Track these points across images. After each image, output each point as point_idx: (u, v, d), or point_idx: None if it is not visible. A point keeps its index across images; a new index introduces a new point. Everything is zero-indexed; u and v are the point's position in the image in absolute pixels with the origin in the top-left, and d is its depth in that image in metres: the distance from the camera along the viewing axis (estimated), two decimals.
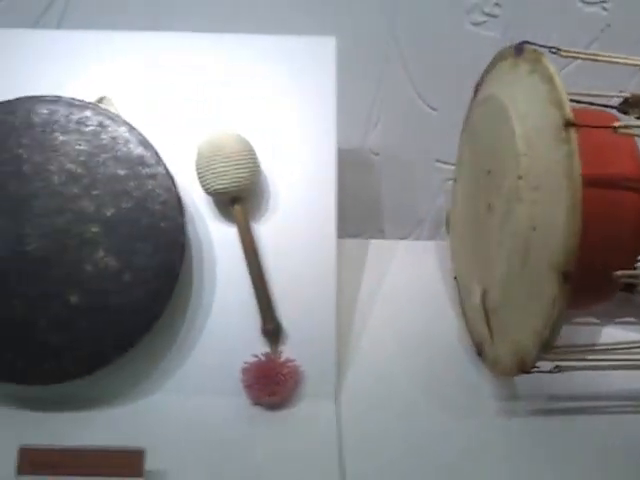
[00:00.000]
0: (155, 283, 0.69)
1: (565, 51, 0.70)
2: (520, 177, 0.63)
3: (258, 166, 0.74)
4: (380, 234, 1.12)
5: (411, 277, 0.93)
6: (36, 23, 0.91)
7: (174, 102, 0.80)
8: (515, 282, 0.64)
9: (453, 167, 1.05)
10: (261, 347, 0.75)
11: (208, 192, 0.74)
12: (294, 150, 0.79)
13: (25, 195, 0.69)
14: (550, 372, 0.65)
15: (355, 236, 1.08)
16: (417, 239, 1.13)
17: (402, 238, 1.13)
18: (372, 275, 0.92)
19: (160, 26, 0.87)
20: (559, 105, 0.60)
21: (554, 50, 0.70)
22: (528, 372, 0.66)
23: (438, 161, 1.07)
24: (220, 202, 0.76)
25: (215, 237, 0.77)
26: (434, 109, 1.03)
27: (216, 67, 0.79)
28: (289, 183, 0.78)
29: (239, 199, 0.74)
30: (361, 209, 1.11)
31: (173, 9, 0.93)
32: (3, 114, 0.71)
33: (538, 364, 0.66)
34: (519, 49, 0.69)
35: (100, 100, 0.74)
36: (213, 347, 0.75)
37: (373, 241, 1.00)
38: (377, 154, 1.07)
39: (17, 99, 0.71)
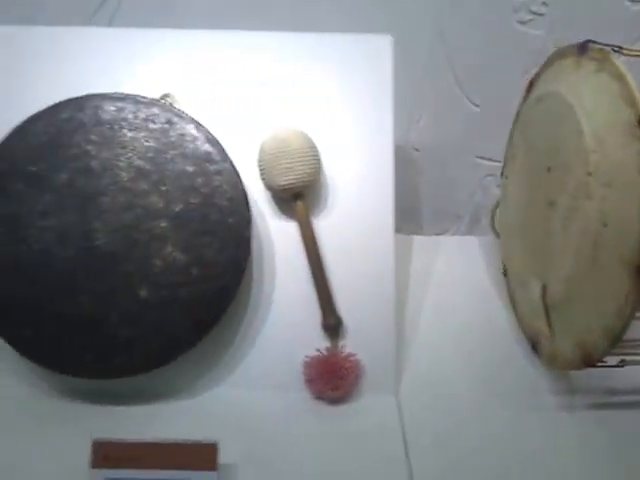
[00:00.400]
0: (223, 278, 0.70)
1: (627, 49, 0.71)
2: (589, 174, 0.64)
3: (320, 162, 0.76)
4: (419, 230, 1.13)
5: (457, 272, 0.93)
6: (88, 21, 0.93)
7: (228, 100, 0.80)
8: (582, 278, 0.65)
9: (493, 163, 1.07)
10: (321, 341, 0.76)
11: (271, 188, 0.75)
12: (351, 147, 0.80)
13: (93, 191, 0.70)
14: (616, 366, 0.66)
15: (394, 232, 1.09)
16: (454, 235, 1.15)
17: (440, 234, 1.14)
18: (419, 270, 0.93)
19: (213, 25, 0.87)
20: (632, 102, 0.60)
21: (616, 49, 0.70)
22: (593, 366, 0.67)
23: (478, 157, 1.09)
24: (280, 198, 0.77)
25: (274, 233, 0.78)
26: (477, 105, 1.04)
27: (272, 65, 0.80)
28: (347, 179, 0.79)
29: (301, 195, 0.75)
30: (401, 205, 1.13)
31: (224, 7, 0.94)
32: (71, 111, 0.71)
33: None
34: (582, 48, 0.70)
35: (163, 97, 0.76)
36: (274, 342, 0.76)
37: (416, 237, 1.01)
38: (418, 150, 1.08)
39: (85, 96, 0.72)
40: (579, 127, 0.66)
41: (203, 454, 0.64)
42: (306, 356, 0.74)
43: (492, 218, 0.98)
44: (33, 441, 0.68)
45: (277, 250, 0.77)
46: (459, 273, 0.93)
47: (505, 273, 0.89)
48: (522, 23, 0.97)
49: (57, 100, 0.73)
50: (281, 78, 0.80)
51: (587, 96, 0.67)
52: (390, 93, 0.80)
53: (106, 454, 0.64)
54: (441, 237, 1.03)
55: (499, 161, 1.06)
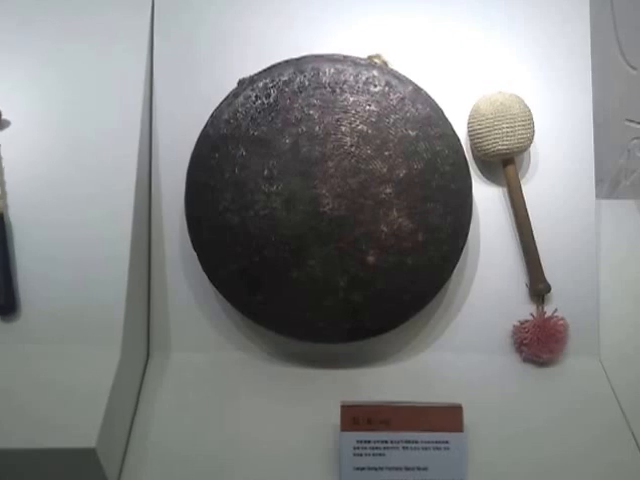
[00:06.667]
0: (448, 244, 0.70)
1: None
2: None
3: (534, 127, 0.75)
4: None
5: (629, 234, 0.94)
6: None
7: (424, 61, 0.78)
8: None
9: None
10: (527, 306, 0.77)
11: (485, 152, 0.73)
12: (550, 111, 0.78)
13: (319, 156, 0.69)
14: None
15: None
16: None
17: None
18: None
19: None
20: None
21: None
22: None
23: (628, 120, 1.08)
24: (488, 163, 0.76)
25: (480, 197, 0.77)
26: (634, 68, 1.03)
27: (471, 27, 0.78)
28: (546, 144, 0.78)
29: (512, 160, 0.75)
30: None
31: None
32: (291, 73, 0.70)
33: None
34: None
35: (372, 57, 0.74)
36: (482, 306, 0.76)
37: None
38: None
39: (304, 57, 0.71)
40: None
41: (449, 416, 0.66)
42: (518, 321, 0.75)
43: None
44: (271, 404, 0.69)
45: (481, 214, 0.78)
46: (632, 235, 0.94)
47: None
48: None
49: (274, 59, 0.71)
50: (480, 40, 0.78)
51: None
52: (589, 60, 0.79)
53: (355, 417, 0.65)
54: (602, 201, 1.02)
55: None
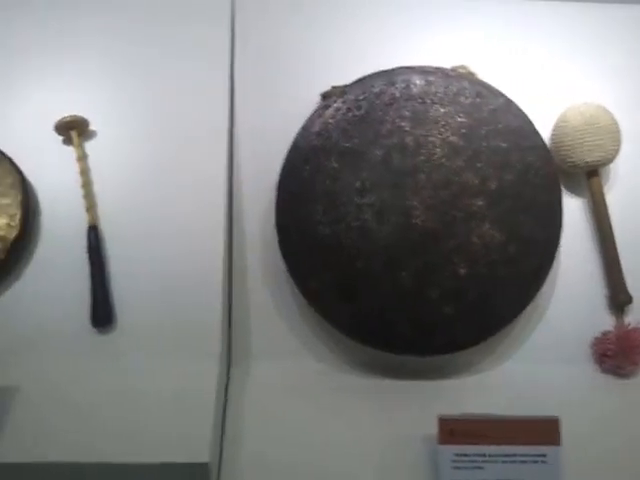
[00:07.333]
0: (539, 256, 0.70)
1: None
2: None
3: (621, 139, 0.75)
4: None
5: None
6: None
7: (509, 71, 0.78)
8: None
9: None
10: (605, 316, 0.77)
11: (573, 164, 0.73)
12: (631, 120, 0.78)
13: (410, 168, 0.69)
14: None
15: None
16: None
17: None
18: None
19: None
20: None
21: None
22: None
23: None
24: (570, 174, 0.76)
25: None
26: None
27: (558, 36, 0.79)
28: (628, 154, 0.77)
29: (596, 172, 0.75)
30: None
31: None
32: (382, 85, 0.70)
33: None
34: None
35: (458, 68, 0.74)
36: (563, 317, 0.76)
37: None
38: None
39: (394, 69, 0.71)
40: None
41: (546, 429, 0.65)
42: (600, 332, 0.75)
43: None
44: (359, 416, 0.68)
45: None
46: None
47: None
48: None
49: (356, 71, 0.72)
50: (567, 50, 0.78)
51: None
52: None
53: (452, 430, 0.65)
54: None
55: None
